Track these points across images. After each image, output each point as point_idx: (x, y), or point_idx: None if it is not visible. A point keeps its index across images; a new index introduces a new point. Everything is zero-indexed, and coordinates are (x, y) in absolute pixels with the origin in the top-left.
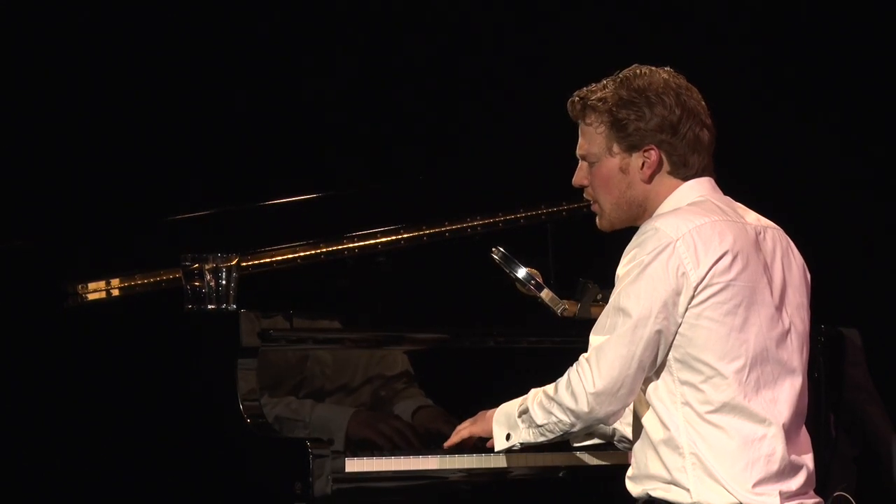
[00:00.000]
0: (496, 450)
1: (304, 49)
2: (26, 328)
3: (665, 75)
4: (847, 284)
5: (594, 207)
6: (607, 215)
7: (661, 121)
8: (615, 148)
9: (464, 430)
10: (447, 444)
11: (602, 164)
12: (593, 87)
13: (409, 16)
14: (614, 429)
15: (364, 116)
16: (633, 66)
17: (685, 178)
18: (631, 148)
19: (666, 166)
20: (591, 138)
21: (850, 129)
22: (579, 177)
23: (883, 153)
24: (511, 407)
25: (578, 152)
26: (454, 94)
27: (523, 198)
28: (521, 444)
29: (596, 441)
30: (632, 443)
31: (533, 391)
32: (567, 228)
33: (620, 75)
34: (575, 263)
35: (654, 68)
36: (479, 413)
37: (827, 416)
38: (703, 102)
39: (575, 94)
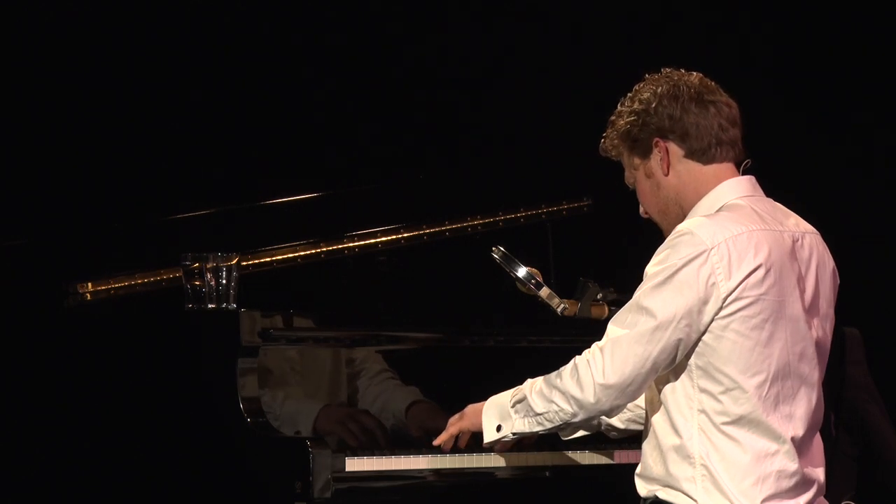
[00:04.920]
0: (485, 441)
1: (304, 48)
2: (26, 327)
3: (657, 76)
4: (848, 284)
5: (659, 227)
6: (663, 226)
7: (657, 116)
8: (636, 161)
9: (453, 427)
10: (438, 441)
11: (637, 182)
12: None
13: (410, 15)
14: (600, 420)
15: (364, 116)
16: None
17: (704, 159)
18: (645, 152)
19: (678, 151)
20: (625, 165)
21: (850, 127)
22: (641, 208)
23: (883, 152)
24: (502, 398)
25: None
26: (455, 94)
27: (523, 197)
28: (514, 433)
29: (583, 433)
30: (624, 432)
31: (529, 381)
32: (567, 228)
33: (621, 99)
34: (575, 263)
35: (646, 76)
36: (468, 407)
37: (827, 415)
38: (705, 81)
39: (601, 137)
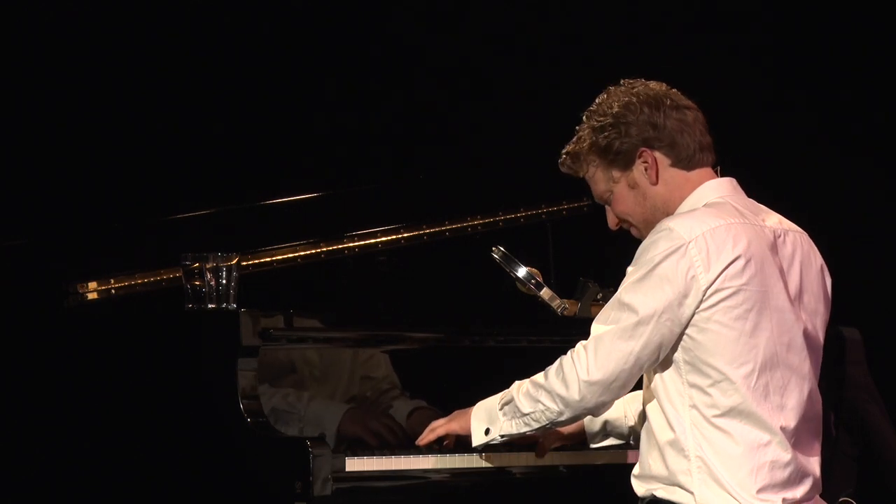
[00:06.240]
0: (474, 445)
1: (303, 48)
2: (26, 327)
3: (622, 88)
4: (847, 284)
5: (635, 233)
6: (645, 234)
7: (638, 126)
8: (615, 174)
9: (440, 428)
10: (420, 441)
11: (615, 194)
12: (571, 140)
13: (410, 15)
14: (631, 428)
15: (364, 116)
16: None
17: (689, 166)
18: (627, 164)
19: (665, 160)
20: (595, 181)
21: (850, 127)
22: (611, 219)
23: (883, 151)
24: (491, 401)
25: (596, 199)
26: (454, 94)
27: (523, 197)
28: (503, 436)
29: (613, 441)
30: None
31: (517, 383)
32: (567, 228)
33: (584, 115)
34: (575, 263)
35: (609, 89)
36: (456, 412)
37: (827, 415)
38: (672, 88)
39: (561, 154)
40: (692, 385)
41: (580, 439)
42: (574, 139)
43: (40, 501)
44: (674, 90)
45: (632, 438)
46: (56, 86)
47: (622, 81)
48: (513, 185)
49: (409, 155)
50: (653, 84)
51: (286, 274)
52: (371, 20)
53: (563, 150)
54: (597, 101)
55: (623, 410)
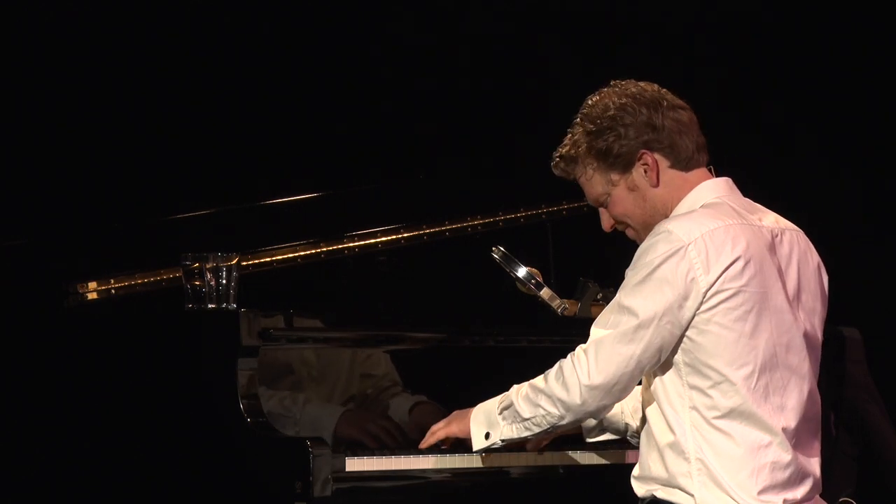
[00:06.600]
0: (474, 449)
1: (303, 48)
2: (26, 327)
3: (616, 89)
4: (847, 284)
5: (631, 234)
6: (643, 236)
7: (637, 127)
8: (614, 176)
9: (440, 431)
10: (421, 446)
11: (613, 197)
12: (563, 143)
13: (409, 14)
14: (626, 424)
15: (364, 116)
16: (584, 102)
17: (687, 167)
18: (627, 166)
19: (665, 162)
20: (591, 184)
21: (849, 127)
22: (605, 222)
23: (882, 152)
24: (490, 405)
25: (590, 202)
26: (455, 94)
27: (523, 197)
28: (503, 440)
29: (609, 437)
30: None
31: (515, 386)
32: (567, 228)
33: (577, 118)
34: (575, 263)
35: (601, 90)
36: (454, 413)
37: (827, 414)
38: (662, 89)
39: (553, 157)
40: (692, 387)
41: (576, 433)
42: (569, 142)
43: (40, 501)
44: (665, 90)
45: (628, 434)
46: (56, 86)
47: (612, 82)
48: (513, 185)
49: (410, 155)
50: (644, 84)
51: (286, 274)
52: (371, 20)
53: (556, 154)
54: (589, 102)
55: (620, 406)
